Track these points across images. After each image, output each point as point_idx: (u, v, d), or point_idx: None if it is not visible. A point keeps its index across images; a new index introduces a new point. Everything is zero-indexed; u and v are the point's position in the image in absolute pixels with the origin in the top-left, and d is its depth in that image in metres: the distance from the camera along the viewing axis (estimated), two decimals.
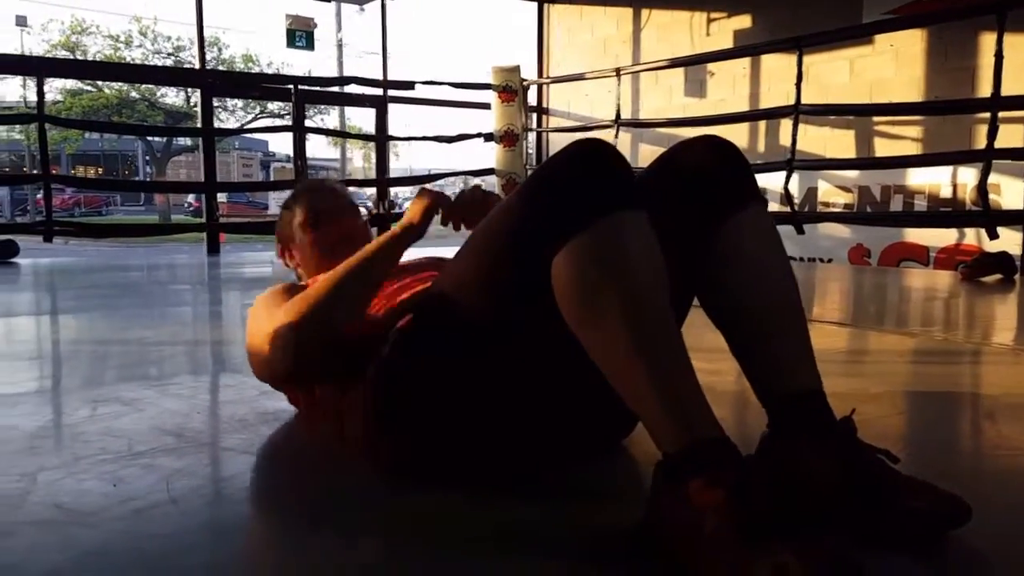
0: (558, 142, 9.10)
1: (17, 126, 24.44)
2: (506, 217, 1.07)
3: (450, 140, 8.14)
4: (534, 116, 9.02)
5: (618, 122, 7.20)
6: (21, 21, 25.61)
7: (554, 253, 0.97)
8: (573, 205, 0.97)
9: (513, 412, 1.14)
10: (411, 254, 1.40)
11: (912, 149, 6.02)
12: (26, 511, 1.09)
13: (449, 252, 1.26)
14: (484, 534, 1.02)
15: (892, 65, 6.13)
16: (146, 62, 23.74)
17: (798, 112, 5.75)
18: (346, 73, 15.54)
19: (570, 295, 0.97)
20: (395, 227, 1.32)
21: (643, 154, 7.89)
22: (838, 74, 6.45)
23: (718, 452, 0.90)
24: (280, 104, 20.18)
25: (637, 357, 0.93)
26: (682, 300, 1.20)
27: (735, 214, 1.14)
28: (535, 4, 9.26)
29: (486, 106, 8.35)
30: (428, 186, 1.45)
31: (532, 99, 8.90)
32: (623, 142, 7.57)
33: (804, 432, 1.06)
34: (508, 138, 8.17)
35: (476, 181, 8.45)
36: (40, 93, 6.36)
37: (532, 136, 8.93)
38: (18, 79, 21.64)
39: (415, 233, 1.31)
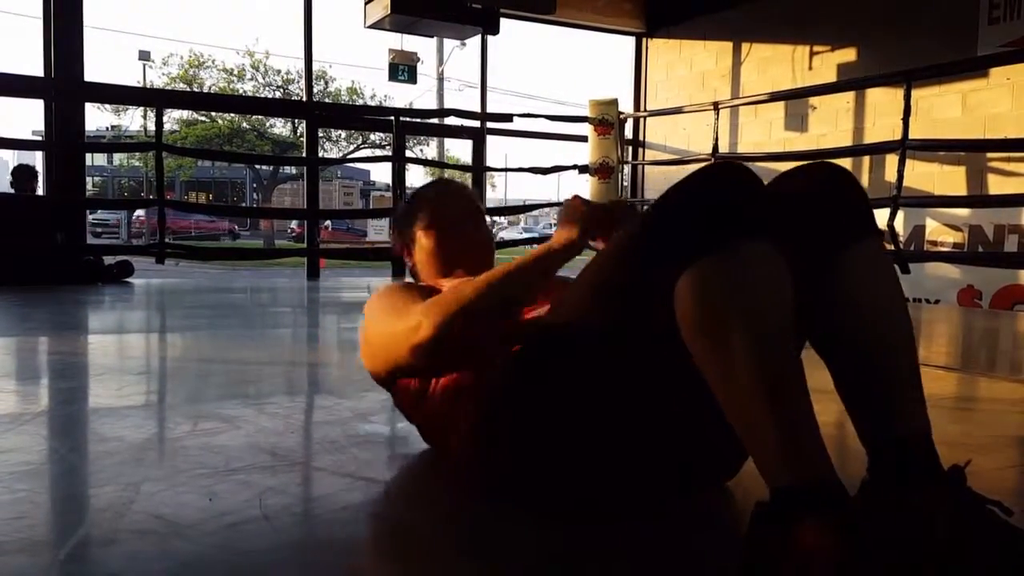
0: (653, 175, 9.05)
1: (137, 153, 25.95)
2: (635, 232, 1.03)
3: (545, 172, 8.18)
4: (630, 149, 9.01)
5: (715, 156, 7.11)
6: (144, 56, 27.21)
7: (679, 272, 0.94)
8: (705, 225, 0.93)
9: (617, 437, 1.11)
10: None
11: None
12: (129, 520, 1.13)
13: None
14: (575, 567, 1.01)
15: (1008, 99, 5.87)
16: (257, 94, 24.89)
17: (905, 147, 5.55)
18: (446, 105, 15.90)
19: (692, 317, 0.94)
20: (552, 243, 1.22)
21: None
22: (949, 108, 6.21)
23: (831, 494, 0.86)
24: (382, 135, 20.82)
25: (758, 388, 0.89)
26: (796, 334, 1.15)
27: (850, 246, 1.09)
28: (633, 39, 9.28)
29: (582, 138, 8.39)
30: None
31: (628, 132, 8.89)
32: None
33: (911, 480, 0.99)
34: (603, 170, 8.17)
35: None
36: (159, 123, 6.72)
37: (627, 169, 8.90)
38: (139, 110, 22.97)
39: (576, 251, 1.21)
